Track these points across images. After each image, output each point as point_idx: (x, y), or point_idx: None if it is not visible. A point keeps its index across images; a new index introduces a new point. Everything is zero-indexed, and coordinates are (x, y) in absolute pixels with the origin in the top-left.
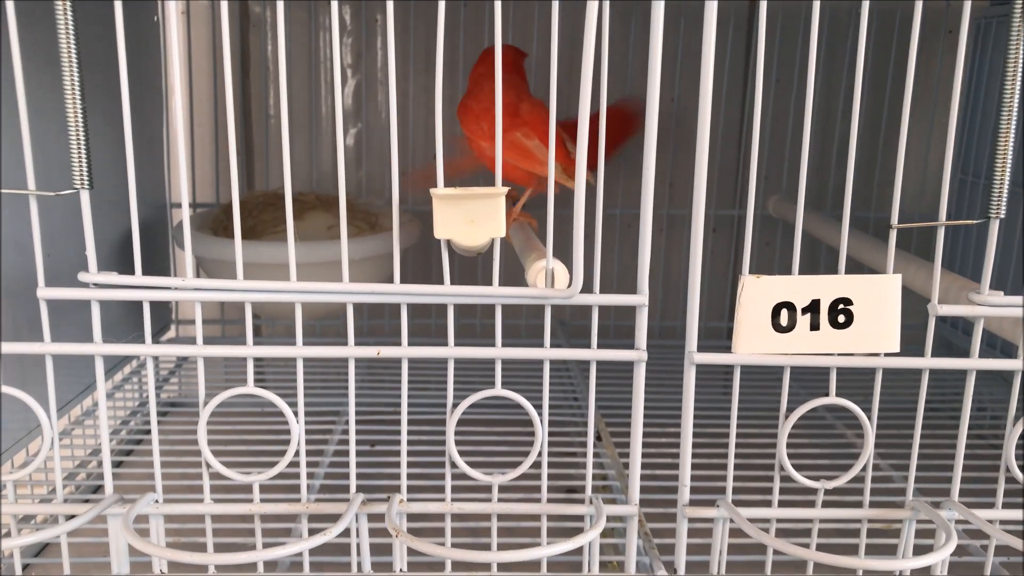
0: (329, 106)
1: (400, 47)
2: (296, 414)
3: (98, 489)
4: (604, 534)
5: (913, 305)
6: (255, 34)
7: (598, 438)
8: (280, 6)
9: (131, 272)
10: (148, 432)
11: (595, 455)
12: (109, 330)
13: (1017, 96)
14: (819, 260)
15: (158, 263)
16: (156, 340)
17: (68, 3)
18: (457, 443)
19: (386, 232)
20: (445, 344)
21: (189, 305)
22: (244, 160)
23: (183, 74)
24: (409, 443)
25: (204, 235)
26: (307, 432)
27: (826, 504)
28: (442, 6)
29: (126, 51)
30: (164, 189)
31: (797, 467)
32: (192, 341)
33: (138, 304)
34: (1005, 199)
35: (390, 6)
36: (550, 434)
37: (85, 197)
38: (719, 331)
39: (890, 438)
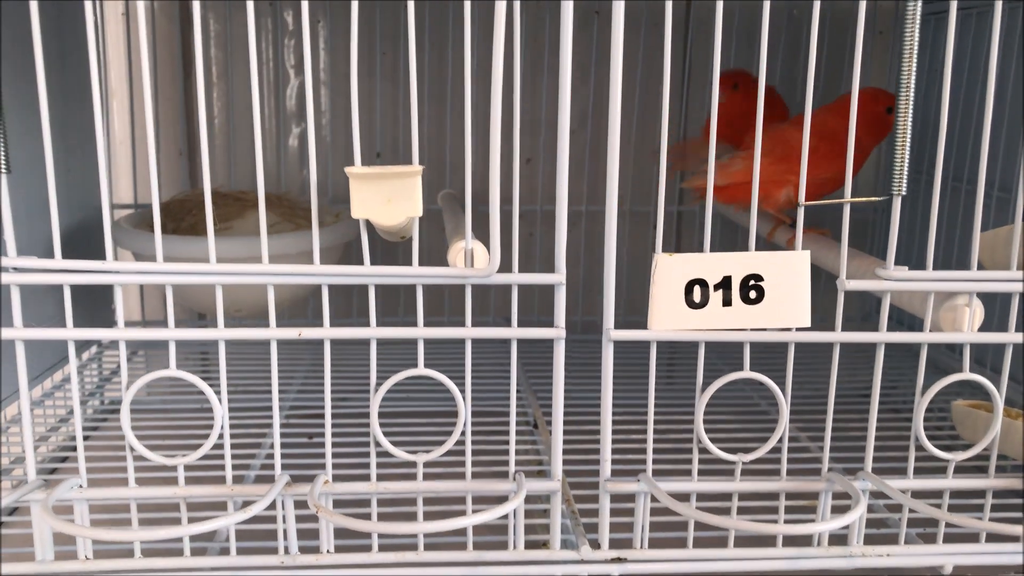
0: (271, 107)
1: (344, 49)
2: (220, 398)
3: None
4: (537, 515)
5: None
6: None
7: (534, 425)
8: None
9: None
10: (93, 426)
11: (532, 442)
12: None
13: (914, 77)
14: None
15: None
16: (95, 343)
17: None
18: (398, 434)
19: (325, 227)
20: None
21: (134, 306)
22: (187, 160)
23: (123, 76)
24: (345, 433)
25: (141, 231)
26: (249, 426)
27: (751, 478)
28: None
29: (72, 48)
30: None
31: (723, 442)
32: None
33: (84, 301)
34: (906, 177)
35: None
36: (490, 421)
37: (3, 181)
38: None
39: (817, 413)
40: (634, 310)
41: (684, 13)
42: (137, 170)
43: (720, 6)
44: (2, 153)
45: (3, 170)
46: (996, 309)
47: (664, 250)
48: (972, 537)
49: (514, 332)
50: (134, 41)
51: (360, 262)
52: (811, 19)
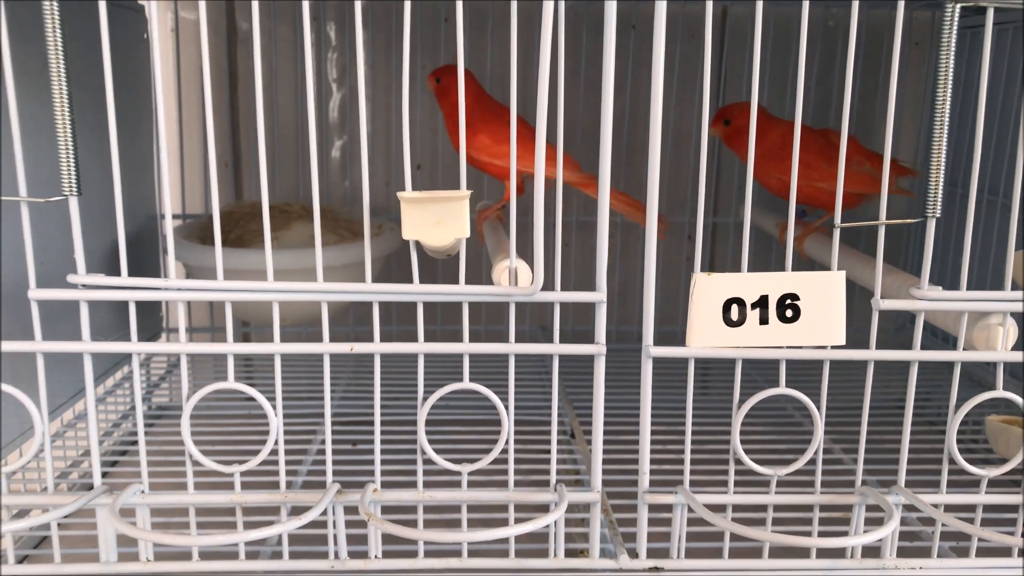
0: (315, 119)
1: (383, 60)
2: (275, 409)
3: (92, 487)
4: (577, 523)
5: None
6: (243, 49)
7: (572, 435)
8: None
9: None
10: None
11: (569, 451)
12: (103, 337)
13: (948, 104)
14: (795, 261)
15: (149, 271)
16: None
17: (57, 18)
18: (441, 442)
19: (373, 239)
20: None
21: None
22: (233, 171)
23: (172, 89)
24: (390, 440)
25: (191, 243)
26: (294, 432)
27: (788, 492)
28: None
29: (118, 68)
30: (154, 200)
31: (758, 454)
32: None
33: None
34: (940, 200)
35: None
36: (532, 432)
37: (74, 203)
38: None
39: (851, 425)
40: (667, 319)
41: (720, 22)
42: (185, 180)
43: (757, 32)
44: (73, 176)
45: (74, 192)
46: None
47: (718, 263)
48: (1005, 552)
49: (556, 348)
50: (183, 55)
51: (403, 274)
52: (847, 29)
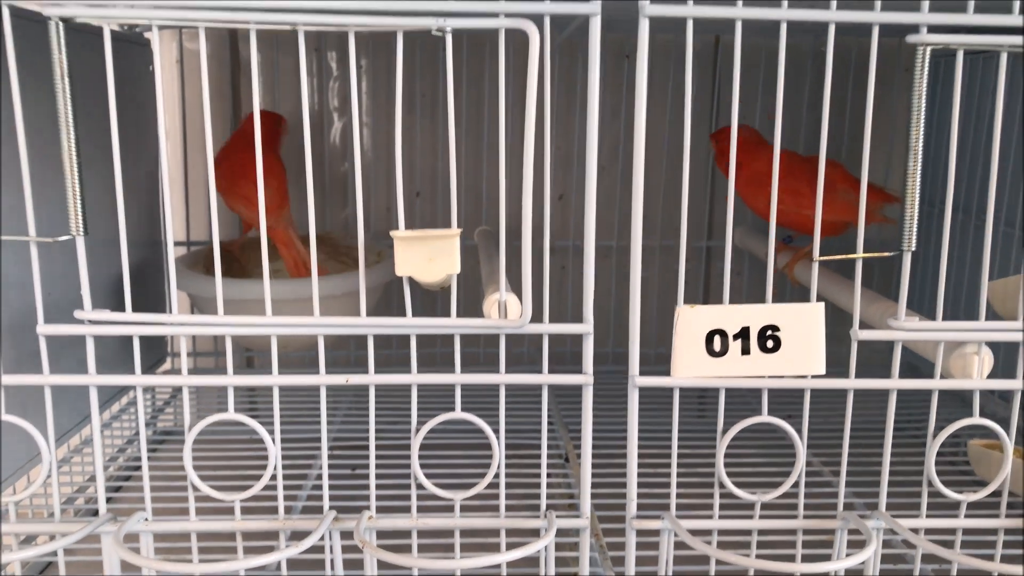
0: (317, 147)
1: (385, 89)
2: (274, 438)
3: (96, 513)
4: (567, 547)
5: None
6: (244, 79)
7: (566, 459)
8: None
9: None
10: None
11: (564, 475)
12: (108, 365)
13: (921, 140)
14: (786, 287)
15: (155, 298)
16: (151, 372)
17: (64, 58)
18: (437, 466)
19: (369, 269)
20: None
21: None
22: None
23: (177, 118)
24: (389, 465)
25: (196, 273)
26: (293, 457)
27: (773, 516)
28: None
29: (125, 98)
30: (161, 227)
31: (748, 476)
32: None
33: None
34: (915, 234)
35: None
36: (527, 456)
37: (80, 243)
38: None
39: (839, 447)
40: (664, 342)
41: (712, 49)
42: (190, 208)
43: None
44: (80, 217)
45: (80, 233)
46: (1001, 352)
47: (692, 286)
48: (986, 574)
49: (545, 379)
50: (188, 84)
51: (401, 304)
52: (840, 55)
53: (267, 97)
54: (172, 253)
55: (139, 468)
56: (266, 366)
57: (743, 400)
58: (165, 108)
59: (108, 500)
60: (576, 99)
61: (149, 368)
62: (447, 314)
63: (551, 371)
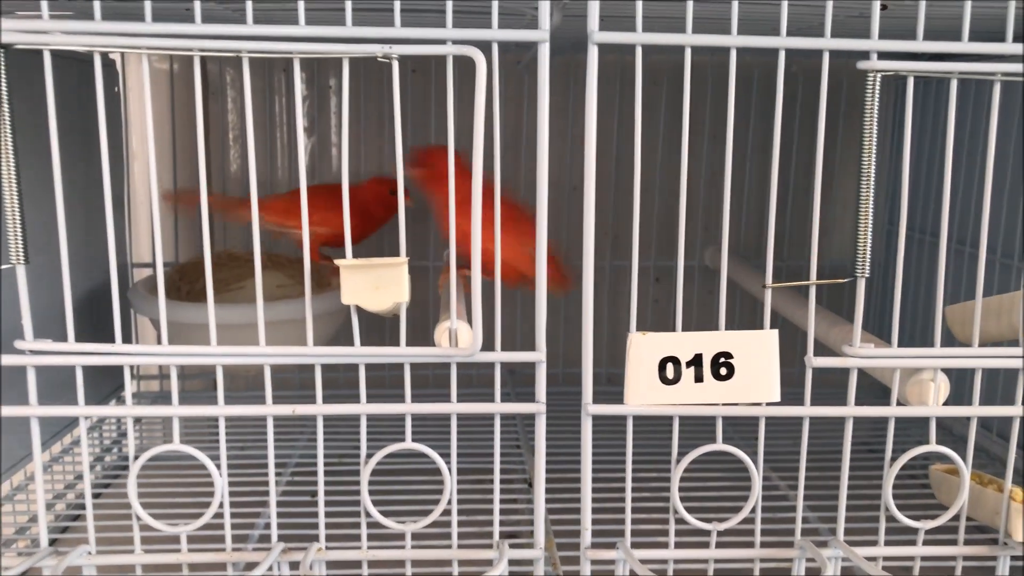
0: (285, 167)
1: (353, 110)
2: (221, 471)
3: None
4: None
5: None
6: (214, 100)
7: (530, 485)
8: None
9: (87, 334)
10: (103, 488)
11: (529, 500)
12: (66, 387)
13: (873, 167)
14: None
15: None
16: (113, 396)
17: (3, 84)
18: (391, 492)
19: (331, 291)
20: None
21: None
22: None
23: (143, 139)
24: (344, 492)
25: (155, 298)
26: (255, 484)
27: (732, 545)
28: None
29: (87, 119)
30: (125, 248)
31: (707, 502)
32: (148, 399)
33: (103, 366)
34: (868, 260)
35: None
36: (482, 479)
37: (21, 272)
38: None
39: (814, 475)
40: (616, 363)
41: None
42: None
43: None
44: (21, 245)
45: (21, 261)
46: (954, 377)
47: (683, 305)
48: None
49: (497, 407)
50: (156, 106)
51: (369, 321)
52: (813, 76)
53: (235, 119)
54: (116, 278)
55: (99, 496)
56: (235, 389)
57: (703, 424)
58: (134, 129)
59: (65, 530)
60: (568, 123)
61: (111, 393)
62: (398, 339)
63: (507, 395)
